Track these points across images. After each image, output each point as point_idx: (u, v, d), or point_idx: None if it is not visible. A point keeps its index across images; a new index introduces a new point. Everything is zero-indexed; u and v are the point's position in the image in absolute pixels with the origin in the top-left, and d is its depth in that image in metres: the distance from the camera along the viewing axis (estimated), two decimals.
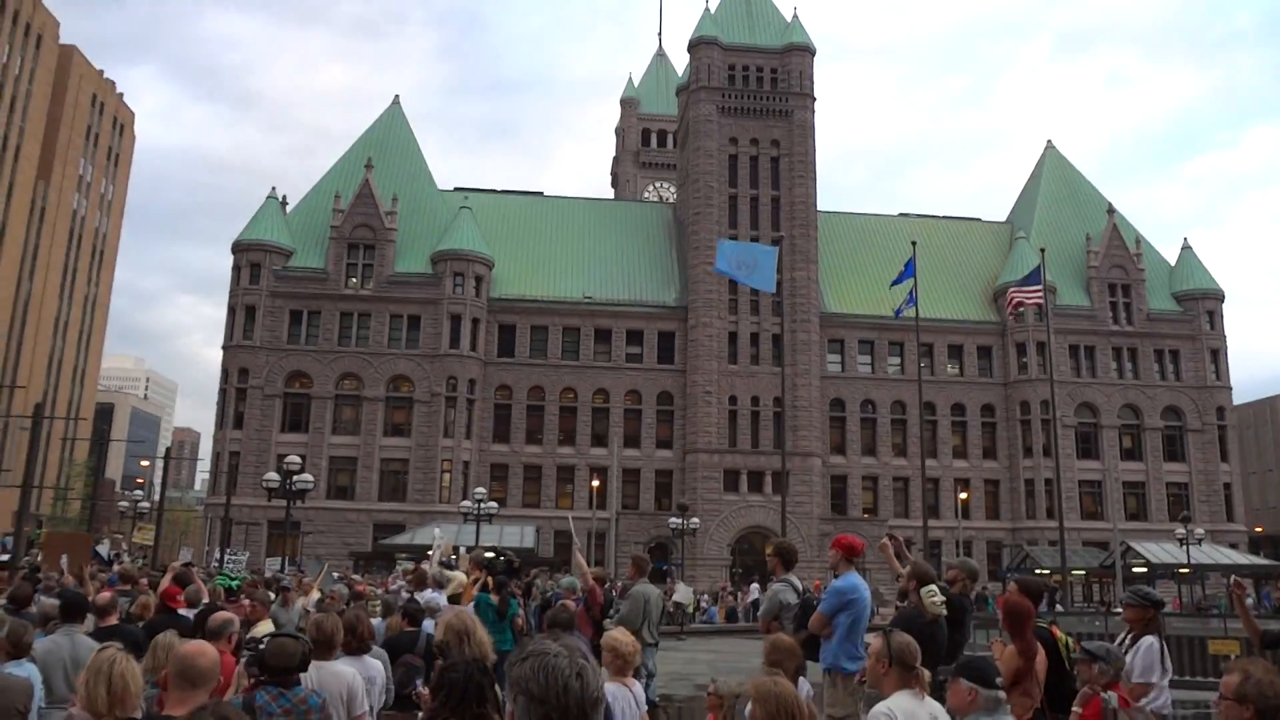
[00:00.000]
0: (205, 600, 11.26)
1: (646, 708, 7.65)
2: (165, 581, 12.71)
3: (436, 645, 6.17)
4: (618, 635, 7.12)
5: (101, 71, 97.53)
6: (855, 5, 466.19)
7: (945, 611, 7.80)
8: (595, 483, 60.29)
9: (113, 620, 9.33)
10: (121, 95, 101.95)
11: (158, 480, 50.42)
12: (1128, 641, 7.42)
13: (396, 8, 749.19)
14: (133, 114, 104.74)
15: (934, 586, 7.89)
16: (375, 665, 7.56)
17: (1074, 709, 6.22)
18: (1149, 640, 7.25)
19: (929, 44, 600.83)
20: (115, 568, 24.34)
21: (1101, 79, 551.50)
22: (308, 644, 6.27)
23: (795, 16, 72.36)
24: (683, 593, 15.92)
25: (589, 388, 65.33)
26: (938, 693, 5.23)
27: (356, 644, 7.41)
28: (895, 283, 36.71)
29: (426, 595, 13.77)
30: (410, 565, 17.40)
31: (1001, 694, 5.04)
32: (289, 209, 66.85)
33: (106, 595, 9.90)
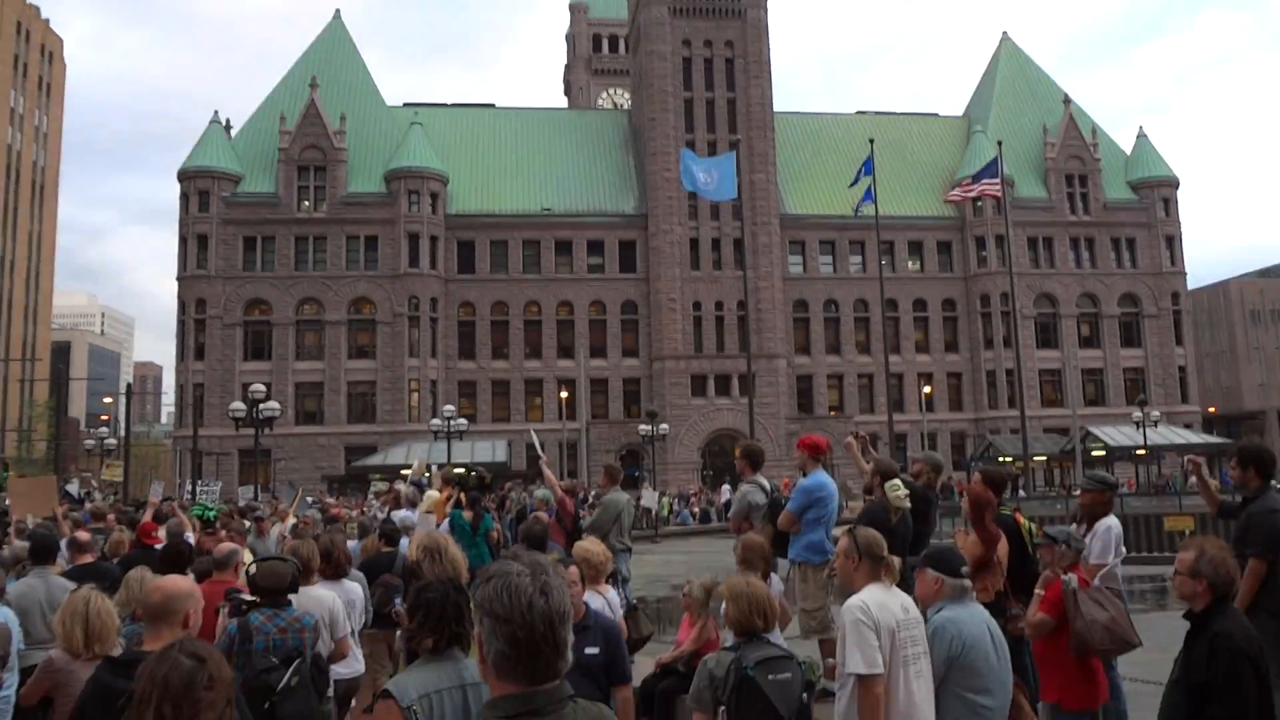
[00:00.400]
0: (189, 534, 11.24)
1: (623, 611, 7.81)
2: (147, 515, 12.70)
3: (409, 566, 6.23)
4: (588, 545, 7.24)
5: None
6: None
7: (909, 505, 7.98)
8: (564, 394, 60.55)
9: (89, 558, 9.32)
10: (48, 21, 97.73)
11: (122, 416, 49.98)
12: (1085, 524, 7.64)
13: None
14: (61, 40, 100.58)
15: (898, 481, 8.05)
16: (354, 588, 7.64)
17: (1036, 591, 6.43)
18: (1105, 523, 7.47)
19: None
20: (86, 506, 24.25)
21: None
22: (297, 566, 6.33)
23: None
24: (649, 497, 16.02)
25: (552, 300, 65.10)
26: (904, 584, 5.36)
27: (333, 569, 7.47)
28: (854, 182, 36.51)
29: (401, 515, 13.89)
30: (384, 486, 17.49)
31: (967, 582, 5.18)
32: (234, 133, 65.02)
33: (85, 535, 9.87)
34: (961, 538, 7.58)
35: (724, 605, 5.37)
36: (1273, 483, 7.00)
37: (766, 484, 9.58)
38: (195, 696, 3.02)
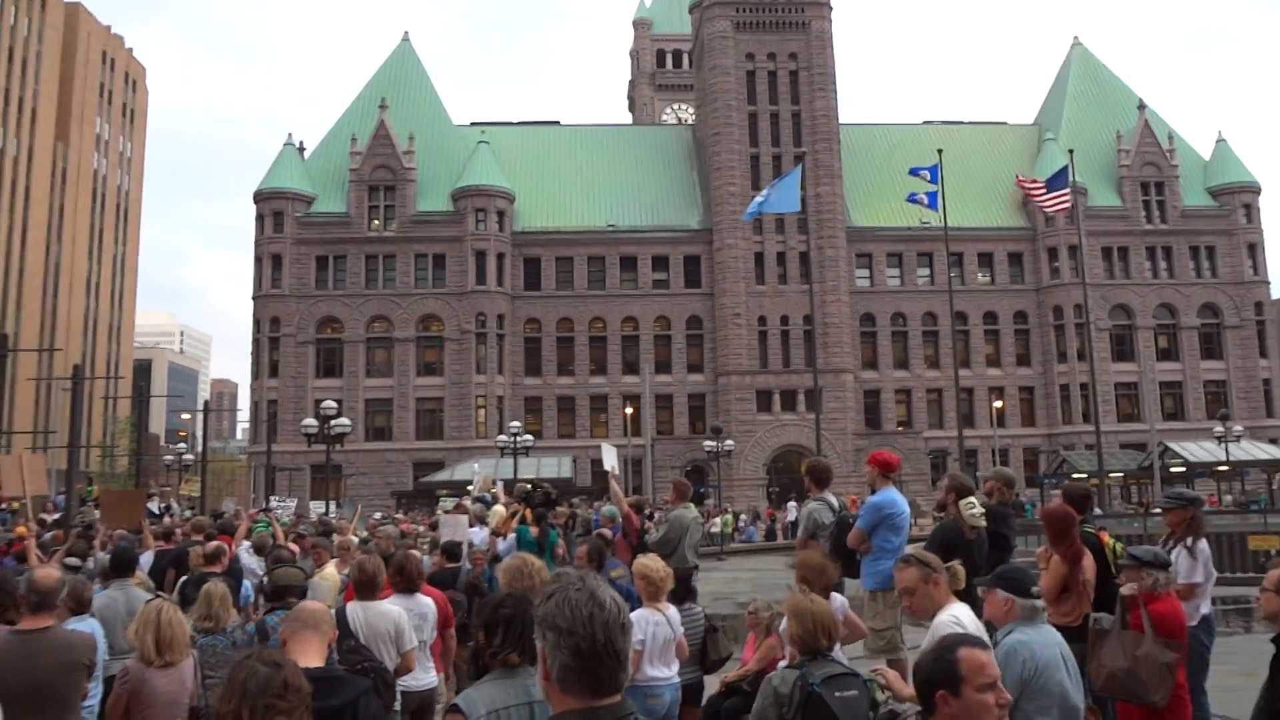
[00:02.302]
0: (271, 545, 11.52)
1: (702, 630, 7.80)
2: (240, 532, 13.02)
3: (470, 581, 6.28)
4: (647, 562, 7.22)
5: (109, 27, 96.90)
6: None
7: (984, 524, 7.82)
8: (629, 410, 60.62)
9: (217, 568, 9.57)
10: (131, 50, 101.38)
11: (200, 433, 51.39)
12: (1171, 544, 7.42)
13: None
14: (144, 68, 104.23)
15: (973, 499, 7.89)
16: (426, 602, 7.72)
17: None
18: (1202, 546, 7.28)
19: None
20: (166, 519, 24.96)
21: None
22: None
23: None
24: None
25: (617, 316, 65.35)
26: (976, 606, 5.28)
27: (404, 583, 7.57)
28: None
29: (473, 531, 14.02)
30: (451, 504, 17.65)
31: (1039, 602, 5.07)
32: (307, 155, 66.69)
33: (212, 545, 10.14)
34: (1044, 558, 7.40)
35: (785, 623, 5.34)
36: None
37: (835, 501, 9.48)
38: (268, 702, 3.14)
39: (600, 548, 8.43)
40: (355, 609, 6.84)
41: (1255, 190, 69.43)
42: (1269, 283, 69.05)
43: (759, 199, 31.67)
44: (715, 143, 66.78)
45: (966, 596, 5.89)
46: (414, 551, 9.48)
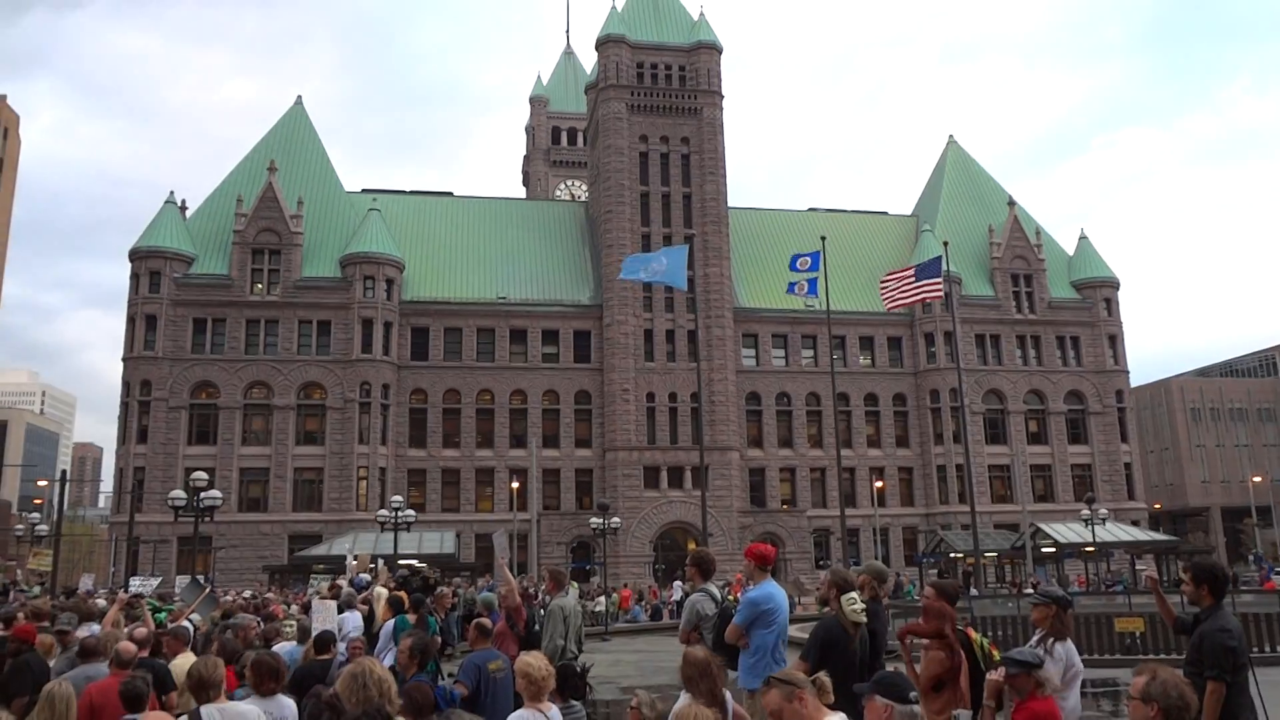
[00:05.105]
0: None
1: None
2: (109, 618, 12.07)
3: (327, 700, 5.92)
4: (529, 660, 6.98)
5: None
6: (743, 22, 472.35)
7: (865, 620, 7.83)
8: (515, 484, 59.86)
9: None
10: (4, 97, 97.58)
11: (57, 501, 48.39)
12: (1035, 642, 7.54)
13: (299, 25, 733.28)
14: (17, 117, 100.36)
15: (854, 594, 7.90)
16: (287, 704, 7.28)
17: (986, 702, 6.33)
18: (1059, 649, 7.40)
19: (819, 57, 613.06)
20: (11, 597, 23.22)
21: (987, 84, 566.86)
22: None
23: (702, 15, 72.73)
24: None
25: (506, 389, 64.77)
26: (854, 709, 5.21)
27: (261, 685, 7.11)
28: (794, 267, 36.08)
29: (342, 618, 13.40)
30: (325, 585, 16.82)
31: (917, 708, 5.05)
32: (189, 215, 64.71)
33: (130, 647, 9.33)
34: (905, 650, 7.45)
35: None
36: (1224, 601, 7.00)
37: (717, 593, 9.39)
38: None
39: (424, 646, 7.97)
40: (213, 712, 6.44)
41: (1114, 285, 73.75)
42: (1128, 372, 73.03)
43: (642, 263, 31.79)
44: (607, 220, 67.62)
45: (846, 696, 5.84)
46: (280, 649, 8.97)
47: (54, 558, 38.20)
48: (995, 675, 6.42)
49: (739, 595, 11.48)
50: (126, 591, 23.20)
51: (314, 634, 10.66)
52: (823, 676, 5.11)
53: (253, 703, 6.89)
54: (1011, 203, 75.04)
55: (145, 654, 9.26)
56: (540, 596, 19.12)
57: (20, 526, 46.16)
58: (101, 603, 18.61)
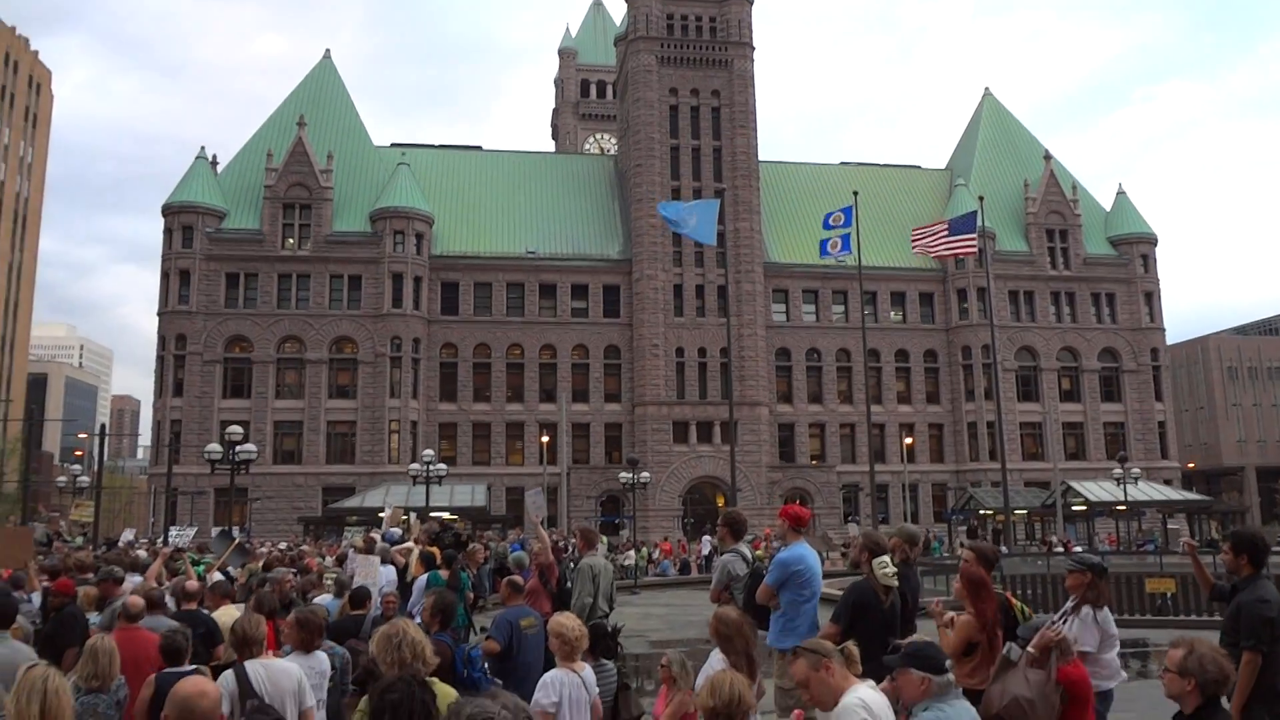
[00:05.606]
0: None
1: (597, 691, 7.60)
2: (153, 570, 12.29)
3: (365, 665, 5.99)
4: (562, 620, 7.03)
5: (14, 28, 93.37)
6: None
7: (897, 583, 7.83)
8: (545, 439, 60.27)
9: (193, 605, 9.47)
10: (36, 53, 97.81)
11: (96, 454, 49.34)
12: (1069, 608, 7.49)
13: None
14: (49, 72, 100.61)
15: (886, 558, 7.89)
16: (322, 659, 7.41)
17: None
18: (1085, 610, 7.33)
19: (852, 8, 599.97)
20: (54, 548, 23.77)
21: (1022, 38, 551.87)
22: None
23: None
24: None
25: (535, 343, 64.97)
26: (885, 673, 5.21)
27: (304, 641, 7.23)
28: (828, 225, 35.92)
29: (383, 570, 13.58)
30: (359, 536, 17.05)
31: (951, 677, 5.04)
32: (220, 170, 65.01)
33: (193, 584, 9.82)
34: (938, 611, 7.40)
35: (699, 691, 5.21)
36: (1264, 570, 6.93)
37: (748, 553, 9.42)
38: None
39: (448, 606, 8.01)
40: (257, 668, 6.57)
41: (1152, 242, 72.50)
42: (1164, 330, 72.04)
43: (677, 210, 31.69)
44: (637, 174, 67.18)
45: (877, 660, 5.85)
46: (318, 602, 9.13)
47: (95, 509, 39.03)
48: (1051, 631, 6.40)
49: (765, 550, 11.52)
50: (166, 544, 23.70)
51: (351, 588, 10.84)
52: (850, 646, 5.11)
53: (294, 658, 7.01)
54: (1048, 156, 73.73)
55: (193, 606, 9.48)
56: (571, 550, 19.30)
57: (62, 478, 47.07)
58: (142, 554, 19.02)
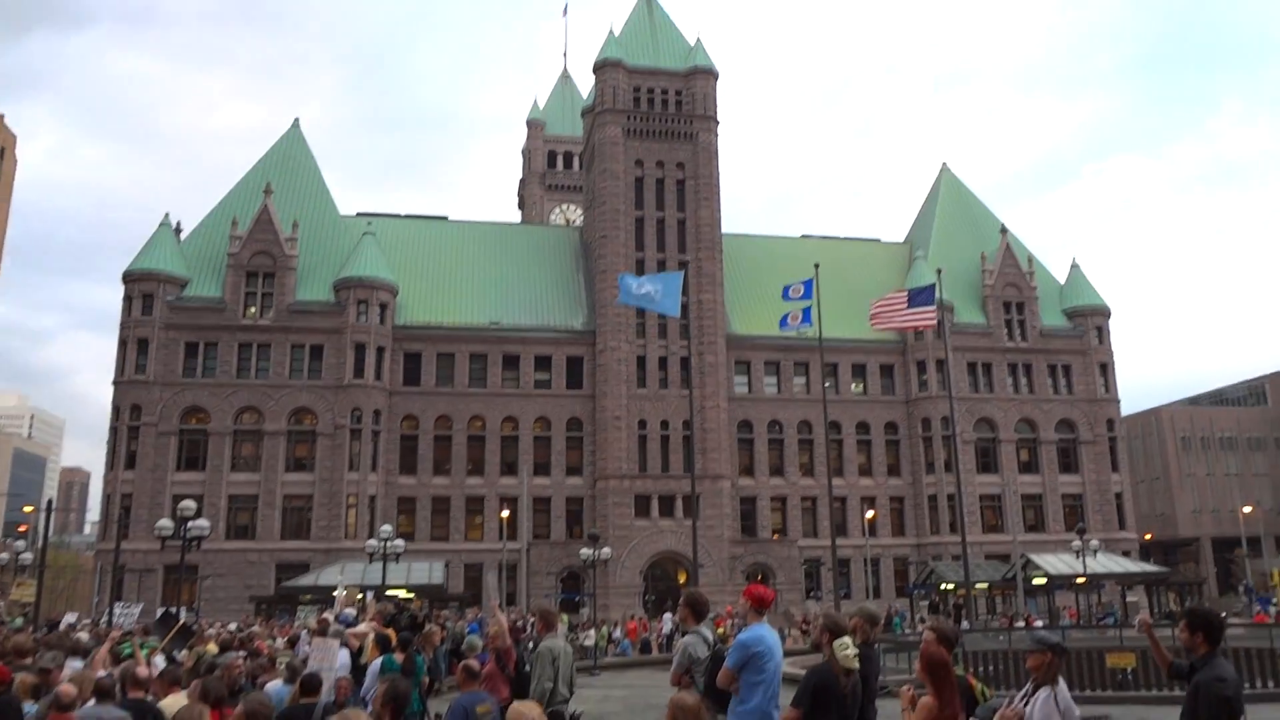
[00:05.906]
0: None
1: None
2: (100, 655, 11.84)
3: None
4: (522, 709, 6.87)
5: None
6: (738, 49, 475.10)
7: (858, 665, 7.74)
8: (505, 513, 59.52)
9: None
10: (1, 117, 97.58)
11: (42, 528, 47.85)
12: (1029, 689, 7.43)
13: (298, 49, 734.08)
14: (14, 137, 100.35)
15: (847, 639, 7.83)
16: None
17: None
18: (1044, 692, 7.28)
19: (814, 83, 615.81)
20: None
21: (980, 112, 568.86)
22: None
23: (698, 40, 73.27)
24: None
25: (497, 415, 64.56)
26: None
27: None
28: (787, 297, 36.25)
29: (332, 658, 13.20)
30: (313, 620, 16.57)
31: None
32: (184, 237, 64.60)
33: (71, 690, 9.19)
34: (906, 697, 7.32)
35: None
36: (1220, 646, 6.95)
37: (710, 635, 9.28)
38: None
39: (400, 695, 7.72)
40: None
41: (1105, 314, 74.03)
42: (1119, 401, 73.15)
43: (638, 284, 31.84)
44: (602, 245, 67.71)
45: None
46: (269, 688, 8.83)
47: (38, 588, 37.76)
48: (1010, 711, 6.36)
49: (728, 629, 11.35)
50: (110, 623, 22.93)
51: (303, 674, 10.51)
52: None
53: None
54: (1004, 230, 75.38)
55: (140, 694, 9.13)
56: (530, 631, 18.97)
57: (4, 554, 45.56)
58: (84, 636, 18.37)
